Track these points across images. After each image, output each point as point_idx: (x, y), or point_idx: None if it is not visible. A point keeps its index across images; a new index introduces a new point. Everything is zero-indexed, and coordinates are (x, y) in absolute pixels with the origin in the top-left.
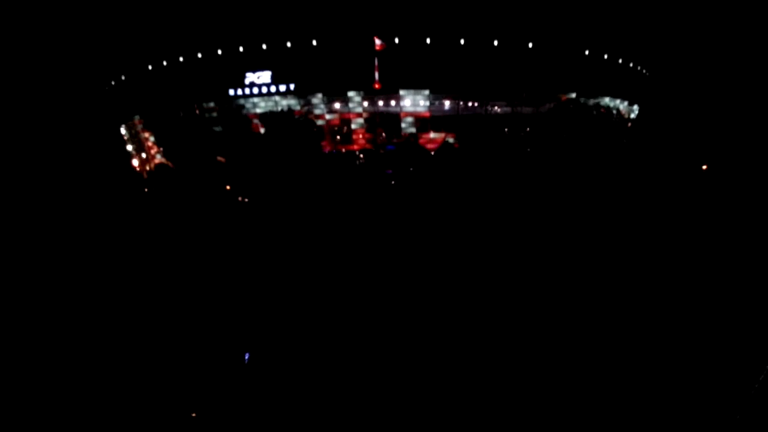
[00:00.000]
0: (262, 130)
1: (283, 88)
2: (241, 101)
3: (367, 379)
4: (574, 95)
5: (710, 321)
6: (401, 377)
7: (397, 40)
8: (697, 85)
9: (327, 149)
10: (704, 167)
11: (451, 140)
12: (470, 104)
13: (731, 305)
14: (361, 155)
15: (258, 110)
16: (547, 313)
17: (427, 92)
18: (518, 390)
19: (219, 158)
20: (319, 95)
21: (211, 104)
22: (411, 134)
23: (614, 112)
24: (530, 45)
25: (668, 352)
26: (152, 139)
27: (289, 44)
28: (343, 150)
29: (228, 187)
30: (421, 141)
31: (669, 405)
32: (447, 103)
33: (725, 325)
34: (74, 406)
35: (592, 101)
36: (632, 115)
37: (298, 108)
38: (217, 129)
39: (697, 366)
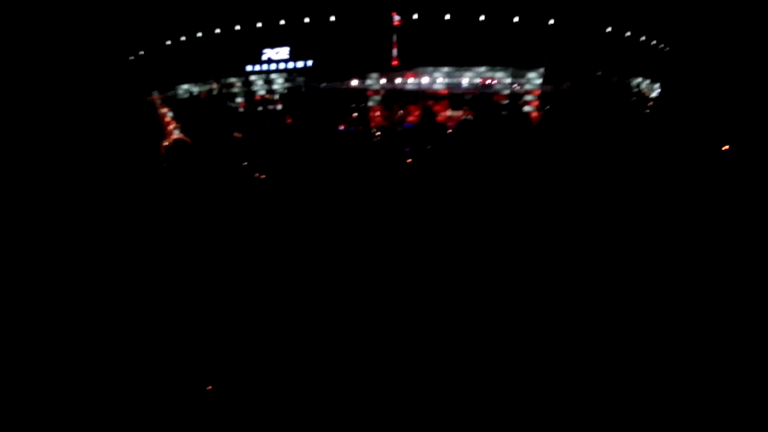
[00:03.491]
0: (279, 107)
1: (300, 64)
2: (259, 77)
3: (382, 371)
4: (595, 73)
5: (735, 315)
6: (418, 371)
7: (416, 16)
8: (721, 64)
9: (343, 127)
10: (725, 148)
11: (469, 118)
12: (489, 82)
13: (759, 297)
14: (378, 133)
15: (275, 86)
16: (567, 301)
17: (445, 69)
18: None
19: (236, 134)
20: (337, 72)
21: (230, 80)
22: (428, 112)
23: (636, 90)
24: (551, 22)
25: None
26: (170, 114)
27: (307, 20)
28: (360, 128)
29: (245, 164)
30: (439, 119)
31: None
32: (465, 81)
33: (751, 320)
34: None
35: (613, 79)
36: (654, 94)
37: (315, 84)
38: (234, 105)
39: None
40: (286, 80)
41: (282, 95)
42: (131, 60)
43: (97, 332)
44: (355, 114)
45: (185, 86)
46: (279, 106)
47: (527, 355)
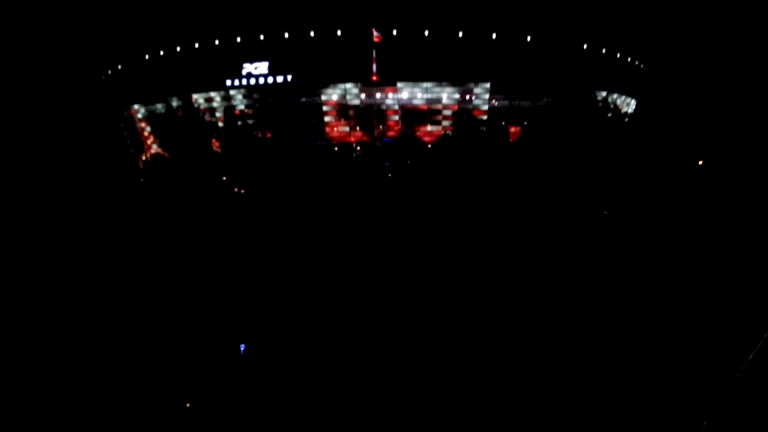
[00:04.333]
0: (258, 121)
1: (280, 79)
2: (238, 91)
3: (359, 375)
4: (572, 89)
5: (706, 317)
6: (394, 373)
7: (395, 32)
8: (695, 81)
9: (324, 141)
10: (700, 162)
11: (449, 133)
12: (468, 97)
13: (727, 301)
14: (358, 147)
15: (255, 101)
16: (542, 309)
17: (424, 85)
18: (517, 388)
19: (214, 141)
20: (316, 87)
21: (209, 94)
22: (408, 127)
23: (612, 106)
24: (528, 38)
25: (662, 347)
26: (149, 129)
27: (286, 35)
28: (341, 142)
29: (224, 178)
30: (418, 134)
31: (665, 403)
32: (444, 96)
33: (721, 321)
34: (71, 398)
35: (590, 95)
36: (629, 110)
37: (295, 99)
38: (214, 120)
39: (688, 361)
40: (266, 94)
41: (261, 109)
42: (109, 74)
43: (76, 339)
44: (335, 128)
45: (164, 101)
46: (258, 121)
47: (500, 352)
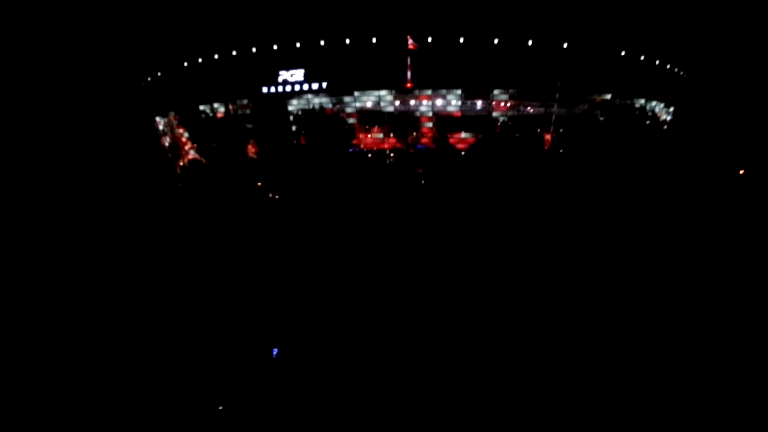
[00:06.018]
0: (293, 128)
1: (315, 86)
2: (274, 99)
3: (392, 376)
4: (608, 96)
5: (739, 329)
6: (425, 378)
7: (429, 40)
8: (735, 88)
9: (357, 148)
10: (741, 172)
11: (482, 140)
12: (503, 104)
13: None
14: (392, 154)
15: (290, 108)
16: (572, 317)
17: (459, 92)
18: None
19: (250, 147)
20: (351, 94)
21: (245, 101)
22: (442, 134)
23: (649, 113)
24: (565, 45)
25: (705, 363)
26: (186, 135)
27: (322, 43)
28: (374, 148)
29: (259, 184)
30: (452, 141)
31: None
32: (479, 104)
33: (751, 332)
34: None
35: (627, 102)
36: (668, 117)
37: (329, 106)
38: (250, 126)
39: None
40: (301, 101)
41: (296, 116)
42: (148, 81)
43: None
44: (369, 135)
45: (201, 107)
46: (293, 127)
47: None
